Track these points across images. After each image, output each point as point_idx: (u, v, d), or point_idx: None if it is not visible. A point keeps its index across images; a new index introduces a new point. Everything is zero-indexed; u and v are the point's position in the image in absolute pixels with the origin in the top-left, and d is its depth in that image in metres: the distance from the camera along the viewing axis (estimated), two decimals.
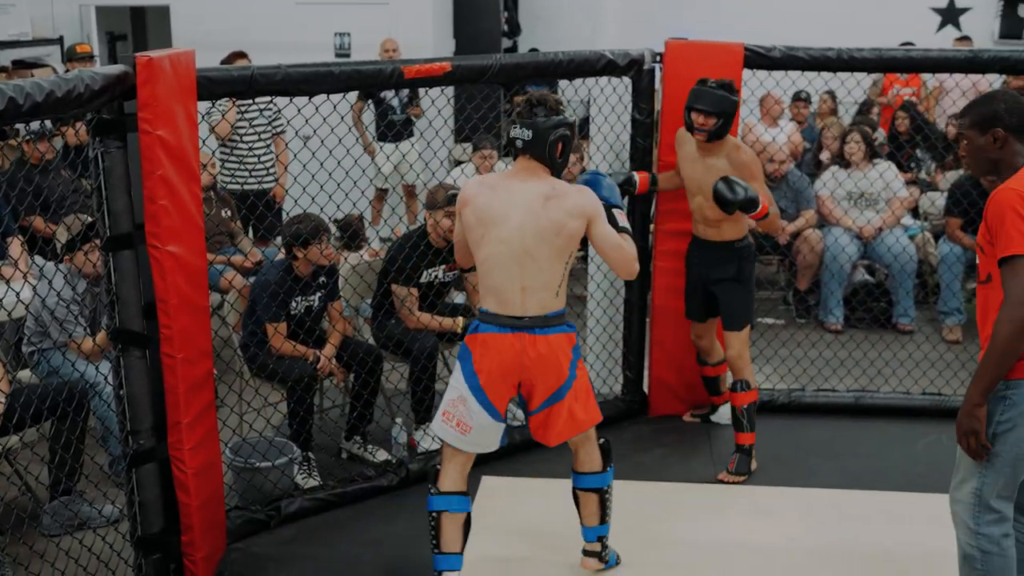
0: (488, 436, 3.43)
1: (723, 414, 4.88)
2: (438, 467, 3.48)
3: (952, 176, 7.18)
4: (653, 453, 4.73)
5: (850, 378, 5.49)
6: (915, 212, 7.15)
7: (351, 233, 5.54)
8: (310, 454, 4.40)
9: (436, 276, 4.82)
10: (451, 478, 3.44)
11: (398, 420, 4.64)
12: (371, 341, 4.85)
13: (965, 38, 9.26)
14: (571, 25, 9.30)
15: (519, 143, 3.32)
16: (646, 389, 5.18)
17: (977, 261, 3.05)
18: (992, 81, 7.27)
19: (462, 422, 3.36)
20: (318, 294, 4.54)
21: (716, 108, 4.26)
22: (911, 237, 6.64)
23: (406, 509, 4.20)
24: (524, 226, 3.29)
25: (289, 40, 8.00)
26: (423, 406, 4.69)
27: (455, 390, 3.38)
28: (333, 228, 5.17)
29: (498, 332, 3.32)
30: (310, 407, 4.38)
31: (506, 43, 10.00)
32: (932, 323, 6.48)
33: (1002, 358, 2.83)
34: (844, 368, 5.54)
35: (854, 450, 4.78)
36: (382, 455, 4.58)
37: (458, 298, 5.54)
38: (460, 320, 4.80)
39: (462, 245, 3.54)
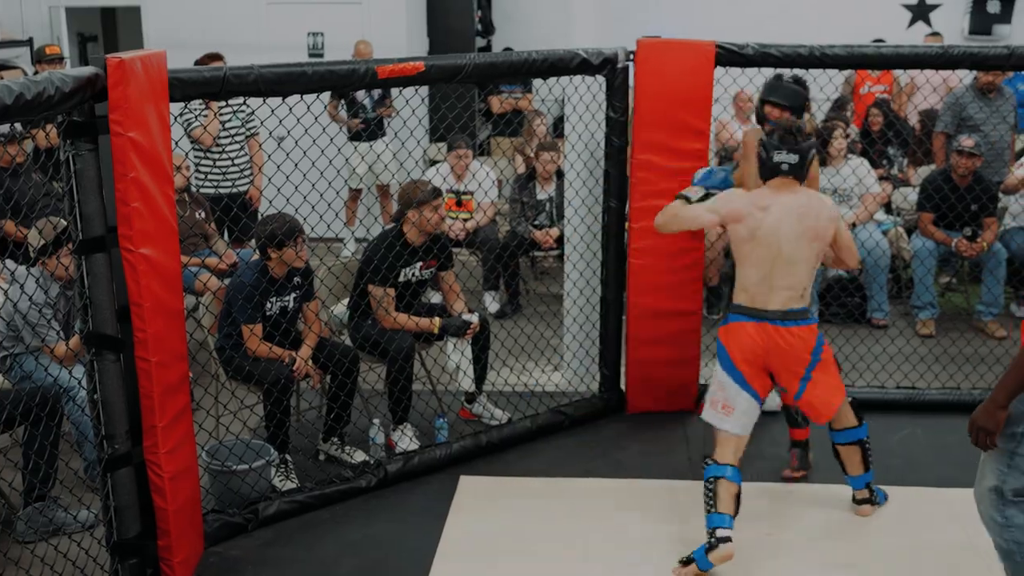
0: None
1: (771, 402, 4.68)
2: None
3: (924, 172, 7.23)
4: (630, 451, 4.74)
5: None
6: (888, 208, 7.20)
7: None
8: (287, 456, 4.38)
9: (413, 275, 4.82)
10: (726, 453, 3.84)
11: (375, 421, 4.63)
12: (347, 342, 4.84)
13: (936, 34, 9.32)
14: (544, 24, 9.33)
15: (785, 167, 3.83)
16: (623, 387, 5.20)
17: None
18: (962, 77, 7.35)
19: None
20: (293, 295, 4.53)
21: (791, 102, 4.38)
22: (884, 232, 6.69)
23: (384, 510, 4.20)
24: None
25: (262, 40, 7.98)
26: (400, 406, 4.68)
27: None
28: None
29: None
30: (286, 409, 4.36)
31: (480, 42, 9.99)
32: (906, 317, 6.53)
33: None
34: None
35: (827, 443, 4.81)
36: (360, 456, 4.57)
37: (435, 298, 5.54)
38: (437, 320, 4.79)
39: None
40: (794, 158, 3.81)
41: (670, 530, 4.03)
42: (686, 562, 3.74)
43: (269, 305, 4.45)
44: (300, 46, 8.45)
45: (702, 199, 4.09)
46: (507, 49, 9.51)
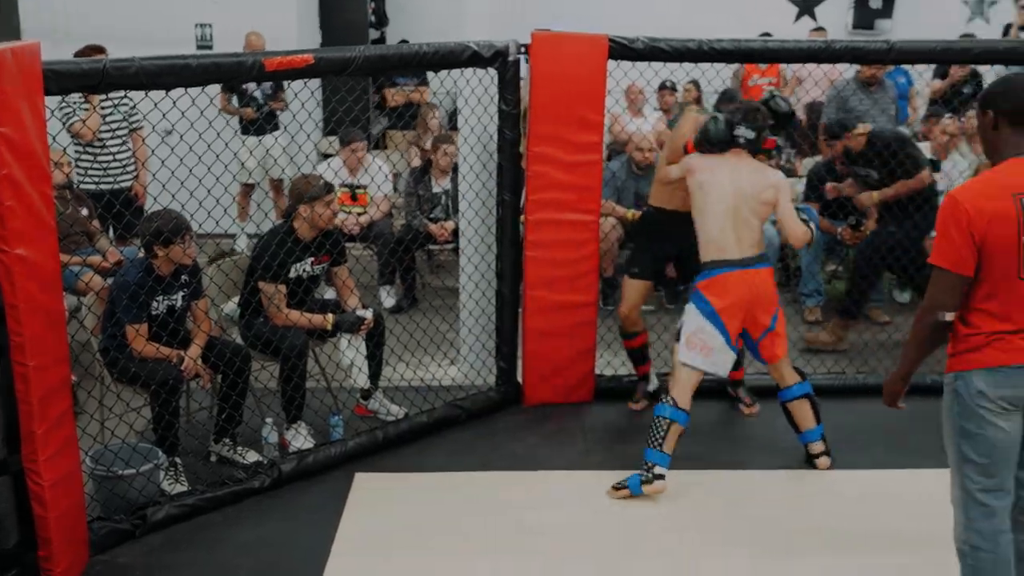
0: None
1: (652, 381, 5.18)
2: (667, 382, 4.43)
3: (809, 163, 7.42)
4: (527, 443, 4.76)
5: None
6: None
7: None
8: (177, 459, 4.27)
9: (304, 271, 4.74)
10: (684, 397, 4.22)
11: (268, 420, 4.55)
12: (238, 340, 4.74)
13: (820, 29, 9.58)
14: (438, 16, 9.27)
15: (742, 140, 4.38)
16: (520, 379, 5.21)
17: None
18: (843, 70, 7.57)
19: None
20: (180, 293, 4.41)
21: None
22: (772, 222, 6.83)
23: (278, 510, 4.13)
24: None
25: (148, 32, 7.74)
26: (294, 405, 4.61)
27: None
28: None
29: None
30: (175, 410, 4.24)
31: (374, 34, 9.90)
32: (793, 305, 6.69)
33: (916, 351, 3.02)
34: None
35: (718, 428, 4.92)
36: (252, 456, 4.49)
37: (329, 294, 5.47)
38: (331, 317, 4.73)
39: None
40: (751, 133, 4.37)
41: (566, 520, 4.06)
42: (619, 487, 4.18)
43: (155, 304, 4.33)
44: (188, 38, 8.24)
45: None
46: (403, 41, 9.43)
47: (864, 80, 6.90)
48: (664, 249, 4.99)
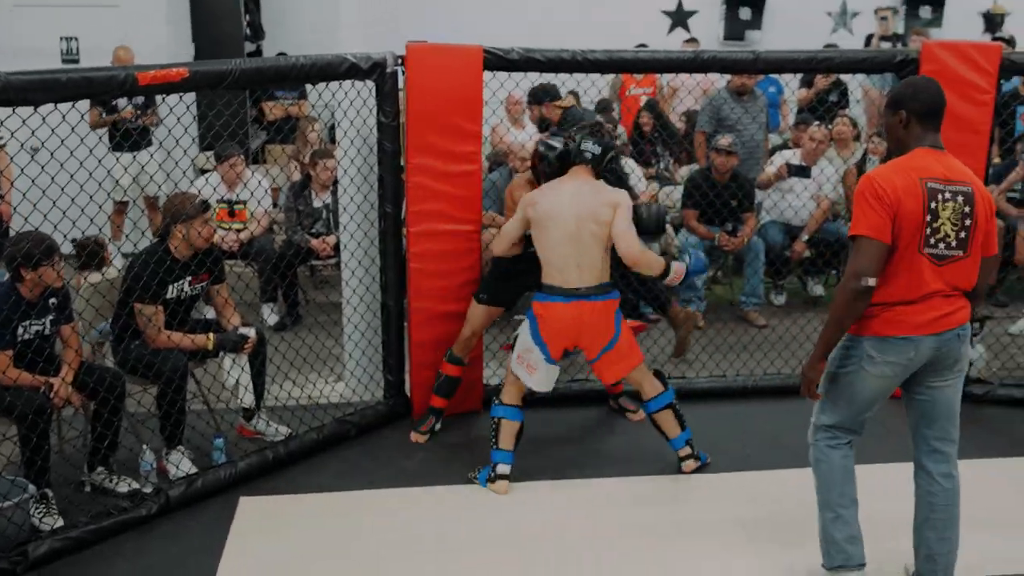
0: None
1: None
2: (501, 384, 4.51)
3: (687, 171, 7.60)
4: (416, 458, 4.73)
5: None
6: None
7: (89, 252, 5.19)
8: (48, 490, 4.09)
9: (182, 290, 4.62)
10: (512, 396, 4.40)
11: (146, 446, 4.40)
12: (107, 363, 4.57)
13: (693, 40, 9.83)
14: (315, 28, 9.18)
15: (588, 155, 4.38)
16: (408, 392, 5.18)
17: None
18: (714, 80, 7.77)
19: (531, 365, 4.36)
20: (49, 317, 4.24)
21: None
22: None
23: (163, 539, 4.02)
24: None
25: (9, 45, 7.46)
26: (179, 429, 4.48)
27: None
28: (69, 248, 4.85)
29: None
30: (45, 439, 4.05)
31: (249, 47, 9.72)
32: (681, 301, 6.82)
33: (839, 322, 3.27)
34: None
35: (601, 436, 4.98)
36: (129, 485, 4.33)
37: (210, 313, 5.34)
38: (212, 337, 4.61)
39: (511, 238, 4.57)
40: (597, 149, 4.37)
41: (452, 537, 4.03)
42: (469, 481, 4.42)
43: (22, 330, 4.15)
44: (53, 51, 7.96)
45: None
46: (281, 54, 9.30)
47: (735, 89, 7.10)
48: (522, 283, 4.79)
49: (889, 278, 3.22)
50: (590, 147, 4.38)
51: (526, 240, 4.57)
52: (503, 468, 4.35)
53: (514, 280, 4.83)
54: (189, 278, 4.61)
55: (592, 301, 4.28)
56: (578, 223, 4.26)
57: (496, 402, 4.43)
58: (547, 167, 4.54)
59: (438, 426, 4.95)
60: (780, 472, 4.55)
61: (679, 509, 4.25)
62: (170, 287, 4.54)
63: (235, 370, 4.65)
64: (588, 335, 4.32)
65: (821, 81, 8.30)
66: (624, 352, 4.39)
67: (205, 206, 4.57)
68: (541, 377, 4.37)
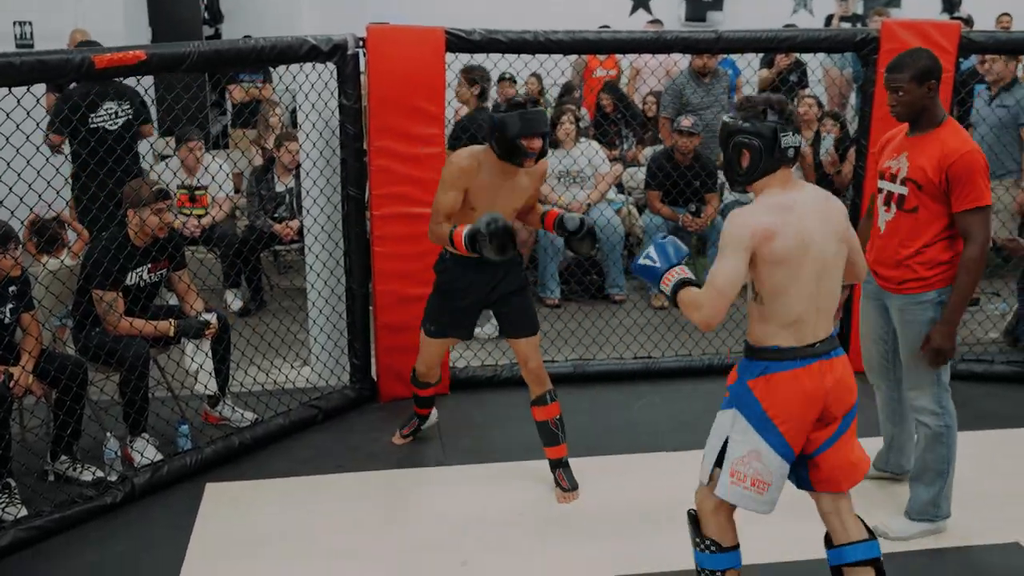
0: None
1: (432, 417, 4.75)
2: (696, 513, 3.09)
3: (650, 152, 7.62)
4: (382, 442, 4.71)
5: (568, 348, 5.71)
6: (619, 187, 7.54)
7: (48, 237, 5.13)
8: (10, 481, 4.03)
9: (141, 277, 4.56)
10: (733, 531, 3.08)
11: (110, 434, 4.35)
12: (69, 351, 4.52)
13: (656, 21, 9.84)
14: (274, 11, 9.10)
15: (792, 152, 2.95)
16: (375, 376, 5.17)
17: (888, 195, 3.69)
18: (677, 60, 7.78)
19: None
20: (8, 305, 4.17)
21: (547, 126, 3.98)
22: (616, 211, 6.99)
23: (129, 527, 3.98)
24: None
25: None
26: (143, 416, 4.44)
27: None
28: (23, 233, 4.78)
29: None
30: (4, 427, 4.01)
31: (208, 31, 9.61)
32: (640, 291, 6.86)
33: (973, 285, 3.56)
34: (562, 339, 5.76)
35: (573, 417, 4.98)
36: (93, 473, 4.28)
37: (172, 299, 5.28)
38: (173, 323, 4.57)
39: None
40: (799, 140, 2.96)
41: (417, 519, 4.03)
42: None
43: None
44: (5, 35, 7.82)
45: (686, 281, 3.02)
46: (247, 37, 9.21)
47: (697, 70, 7.11)
48: (470, 304, 4.18)
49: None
50: (793, 140, 2.94)
51: (470, 240, 3.82)
52: None
53: (457, 307, 4.17)
54: (148, 265, 4.55)
55: (834, 357, 2.97)
56: (830, 250, 2.95)
57: (712, 549, 3.04)
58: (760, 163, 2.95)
59: (423, 425, 4.72)
60: None
61: (646, 489, 4.27)
62: (130, 273, 4.49)
63: (198, 356, 4.61)
64: (835, 404, 2.96)
65: (782, 60, 8.34)
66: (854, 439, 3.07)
67: (161, 194, 4.50)
68: (771, 493, 2.96)
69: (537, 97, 8.41)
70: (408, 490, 4.27)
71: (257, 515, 4.06)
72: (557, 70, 5.56)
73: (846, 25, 9.60)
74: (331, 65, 4.77)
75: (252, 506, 4.14)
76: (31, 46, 7.94)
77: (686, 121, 6.64)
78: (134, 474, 4.22)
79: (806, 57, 8.34)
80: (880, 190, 3.76)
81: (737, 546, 3.08)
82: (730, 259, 2.85)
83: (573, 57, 7.93)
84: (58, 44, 7.15)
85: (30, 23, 7.96)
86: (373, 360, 5.15)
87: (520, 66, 5.39)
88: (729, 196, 7.09)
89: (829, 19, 10.07)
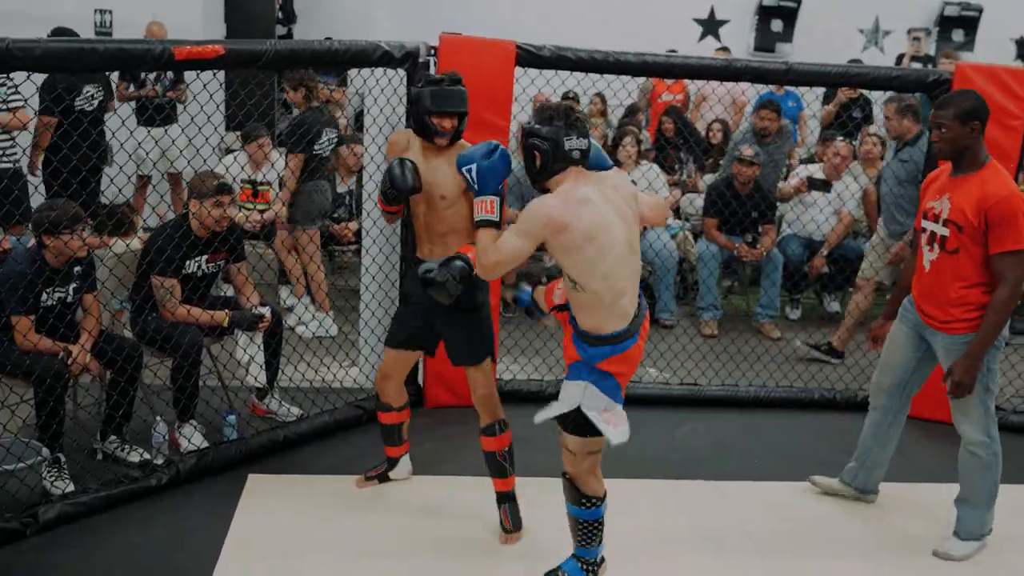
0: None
1: (403, 468, 4.43)
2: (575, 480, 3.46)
3: (710, 179, 7.60)
4: (425, 447, 4.74)
5: None
6: (676, 212, 7.53)
7: (117, 221, 5.24)
8: (60, 456, 4.13)
9: (199, 267, 4.64)
10: (602, 483, 3.50)
11: (159, 418, 4.44)
12: (127, 334, 4.61)
13: (724, 49, 9.82)
14: (348, 15, 9.22)
15: (577, 154, 3.21)
16: (420, 382, 5.20)
17: (931, 235, 3.77)
18: (744, 89, 7.76)
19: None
20: (72, 285, 4.27)
21: (464, 107, 3.87)
22: (672, 236, 6.98)
23: (171, 511, 4.05)
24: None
25: (44, 13, 7.50)
26: (192, 402, 4.52)
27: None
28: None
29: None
30: (61, 402, 4.09)
31: (281, 31, 9.77)
32: (691, 318, 6.84)
33: (1001, 325, 3.63)
34: None
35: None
36: (140, 455, 4.37)
37: (229, 291, 5.37)
38: (227, 314, 4.64)
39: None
40: (585, 143, 3.23)
41: (455, 527, 4.04)
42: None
43: (45, 296, 4.19)
44: (86, 22, 8.01)
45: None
46: (327, 39, 9.33)
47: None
48: (420, 316, 3.99)
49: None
50: (576, 143, 3.21)
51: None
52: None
53: (410, 314, 4.04)
54: (208, 255, 4.63)
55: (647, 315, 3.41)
56: (630, 231, 3.29)
57: (597, 502, 3.46)
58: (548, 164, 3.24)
59: (393, 472, 4.38)
60: (785, 484, 4.54)
61: (680, 516, 4.25)
62: (189, 262, 4.57)
63: (251, 348, 4.68)
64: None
65: (844, 94, 8.27)
66: None
67: (222, 188, 4.57)
68: (624, 427, 3.38)
69: (575, 106, 8.42)
70: (448, 498, 4.28)
71: (297, 510, 4.11)
72: (624, 91, 5.57)
73: (917, 65, 9.51)
74: (401, 71, 4.83)
75: (292, 501, 4.19)
76: (109, 34, 8.13)
77: (747, 150, 6.62)
78: (179, 459, 4.30)
79: (875, 95, 8.27)
80: (924, 230, 3.83)
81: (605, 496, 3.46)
82: (520, 239, 3.20)
83: (640, 79, 7.93)
84: (136, 34, 7.32)
85: (110, 12, 8.14)
86: (421, 366, 5.18)
87: (587, 85, 5.41)
88: (787, 229, 7.05)
89: (900, 58, 9.99)
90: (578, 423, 3.31)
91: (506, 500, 4.00)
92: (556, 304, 3.47)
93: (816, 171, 6.98)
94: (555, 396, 5.17)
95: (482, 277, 3.36)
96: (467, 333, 3.95)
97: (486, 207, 3.30)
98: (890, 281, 5.99)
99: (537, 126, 3.21)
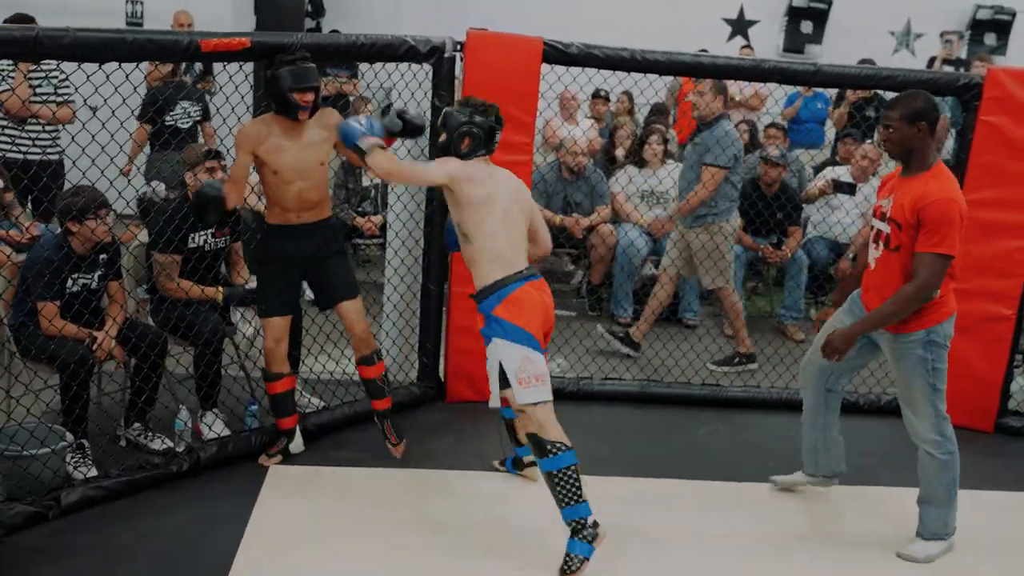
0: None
1: (298, 440, 4.49)
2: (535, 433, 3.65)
3: None
4: (445, 440, 4.76)
5: (636, 368, 5.70)
6: None
7: (144, 210, 5.27)
8: (84, 441, 4.17)
9: (205, 241, 4.60)
10: (561, 434, 3.66)
11: (182, 406, 4.47)
12: (149, 322, 4.63)
13: (747, 47, 9.78)
14: (374, 10, 9.24)
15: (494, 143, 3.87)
16: (442, 376, 5.21)
17: (877, 233, 3.81)
18: (772, 90, 7.72)
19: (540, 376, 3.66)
20: (98, 272, 4.31)
21: (319, 81, 4.12)
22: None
23: (192, 498, 4.08)
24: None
25: (76, 5, 7.56)
26: (214, 391, 4.55)
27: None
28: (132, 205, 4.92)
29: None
30: (85, 388, 4.13)
31: (309, 24, 9.81)
32: (714, 318, 6.81)
33: (891, 316, 3.68)
34: (631, 359, 5.75)
35: (637, 437, 4.98)
36: (163, 443, 4.40)
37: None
38: (222, 289, 4.64)
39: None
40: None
41: (474, 521, 4.05)
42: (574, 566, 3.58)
43: (70, 283, 4.22)
44: (118, 13, 8.08)
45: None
46: (333, 32, 9.38)
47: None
48: (289, 274, 4.32)
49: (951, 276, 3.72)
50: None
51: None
52: (593, 518, 3.62)
53: (281, 280, 4.30)
54: (212, 229, 4.62)
55: (540, 279, 3.81)
56: (517, 210, 3.82)
57: (561, 448, 3.59)
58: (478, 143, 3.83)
59: (292, 446, 4.46)
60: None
61: (699, 516, 4.24)
62: (191, 236, 4.53)
63: (243, 324, 4.72)
64: (550, 315, 3.80)
65: (852, 95, 8.19)
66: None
67: (209, 153, 4.59)
68: (548, 382, 3.69)
69: (625, 111, 8.40)
70: (468, 492, 4.29)
71: (316, 501, 4.13)
72: (651, 90, 5.55)
73: (948, 69, 9.42)
74: (427, 66, 4.84)
75: (312, 491, 4.21)
76: (140, 25, 8.19)
77: (774, 151, 6.59)
78: (201, 447, 4.33)
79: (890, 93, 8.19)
80: (873, 227, 3.90)
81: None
82: (426, 167, 4.02)
83: (668, 78, 7.90)
84: (166, 25, 7.37)
85: (141, 3, 8.21)
86: (442, 361, 5.19)
87: (614, 83, 5.40)
88: (813, 231, 7.01)
89: (931, 61, 9.90)
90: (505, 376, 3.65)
91: (387, 416, 4.51)
92: None
93: (843, 173, 6.93)
94: (577, 393, 5.26)
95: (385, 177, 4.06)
96: (344, 269, 4.38)
97: (371, 140, 3.88)
98: (687, 273, 6.01)
99: (472, 116, 3.81)
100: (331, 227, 4.40)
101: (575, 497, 3.58)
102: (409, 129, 4.21)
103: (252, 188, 6.14)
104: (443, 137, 3.87)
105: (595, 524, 3.60)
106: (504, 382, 3.68)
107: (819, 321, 4.35)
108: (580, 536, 3.58)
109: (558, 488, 3.58)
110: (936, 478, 3.88)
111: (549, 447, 3.60)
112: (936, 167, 3.70)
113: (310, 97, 4.06)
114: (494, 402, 3.76)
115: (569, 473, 3.58)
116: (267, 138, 4.12)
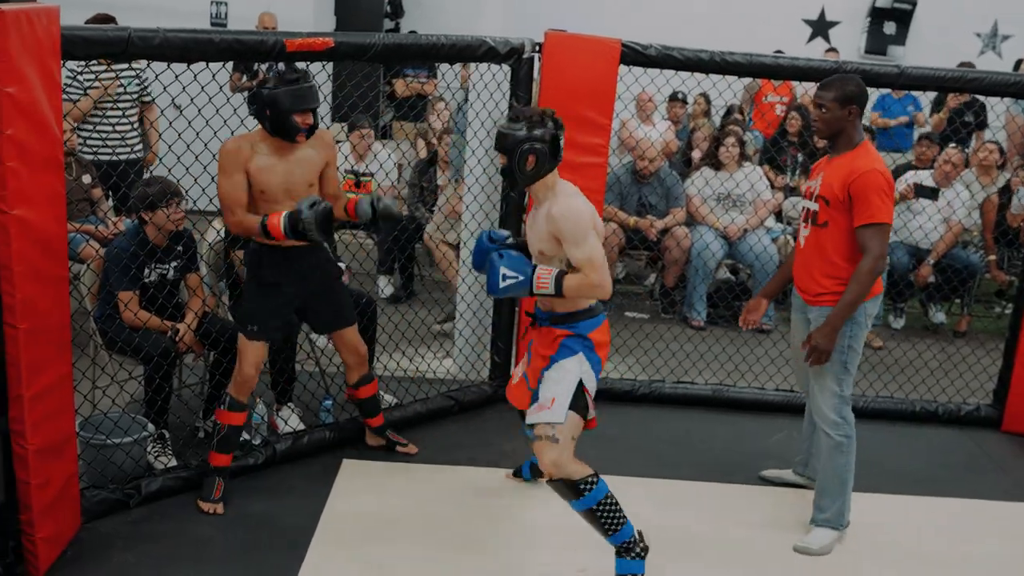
0: None
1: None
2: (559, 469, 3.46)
3: None
4: (516, 441, 4.76)
5: (709, 372, 5.65)
6: (778, 216, 7.40)
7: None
8: (165, 432, 4.28)
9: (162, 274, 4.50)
10: (581, 463, 3.50)
11: (259, 400, 4.56)
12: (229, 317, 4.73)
13: (833, 50, 9.62)
14: (453, 11, 9.30)
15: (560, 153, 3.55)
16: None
17: (807, 212, 3.87)
18: None
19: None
20: (173, 263, 4.41)
21: (319, 101, 3.92)
22: (773, 239, 6.87)
23: (267, 489, 4.15)
24: None
25: (161, 5, 7.76)
26: (290, 386, 4.63)
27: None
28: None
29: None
30: (167, 381, 4.24)
31: (388, 24, 9.92)
32: (788, 323, 6.70)
33: (858, 296, 3.68)
34: (703, 362, 5.70)
35: (709, 441, 4.94)
36: (241, 436, 4.48)
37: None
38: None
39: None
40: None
41: (545, 522, 4.05)
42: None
43: (147, 272, 4.33)
44: (202, 13, 8.25)
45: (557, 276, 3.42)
46: (412, 33, 9.46)
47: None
48: (287, 298, 4.05)
49: None
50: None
51: (291, 226, 3.74)
52: (638, 533, 3.55)
53: (274, 302, 4.02)
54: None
55: None
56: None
57: (594, 481, 3.44)
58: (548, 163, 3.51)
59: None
60: (877, 496, 4.44)
61: (768, 521, 4.19)
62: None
63: None
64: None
65: (953, 100, 8.01)
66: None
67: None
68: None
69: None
70: (535, 493, 4.29)
71: (388, 496, 4.17)
72: (729, 91, 5.50)
73: None
74: (505, 67, 4.86)
75: (385, 486, 4.26)
76: (224, 25, 8.35)
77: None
78: (276, 440, 4.41)
79: (992, 100, 8.00)
80: (802, 208, 3.95)
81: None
82: (592, 240, 3.38)
83: (746, 80, 7.82)
84: (249, 26, 7.51)
85: (225, 3, 8.37)
86: (513, 360, 5.21)
87: (692, 84, 5.36)
88: (893, 236, 6.87)
89: (1019, 63, 9.64)
90: (576, 396, 3.48)
91: (385, 429, 4.53)
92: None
93: (925, 178, 6.78)
94: (649, 396, 5.23)
95: (607, 295, 3.45)
96: (341, 297, 4.25)
97: (541, 283, 3.42)
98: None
99: (530, 130, 3.46)
100: (326, 253, 4.16)
101: (619, 522, 3.47)
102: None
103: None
104: (503, 161, 3.50)
105: (640, 536, 3.53)
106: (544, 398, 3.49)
107: (748, 310, 4.35)
108: (630, 556, 3.50)
109: (601, 520, 3.46)
110: (829, 460, 3.90)
111: (582, 486, 3.43)
112: (862, 146, 3.77)
113: (311, 119, 3.87)
114: (559, 416, 3.45)
115: (608, 502, 3.45)
116: (252, 156, 3.85)
